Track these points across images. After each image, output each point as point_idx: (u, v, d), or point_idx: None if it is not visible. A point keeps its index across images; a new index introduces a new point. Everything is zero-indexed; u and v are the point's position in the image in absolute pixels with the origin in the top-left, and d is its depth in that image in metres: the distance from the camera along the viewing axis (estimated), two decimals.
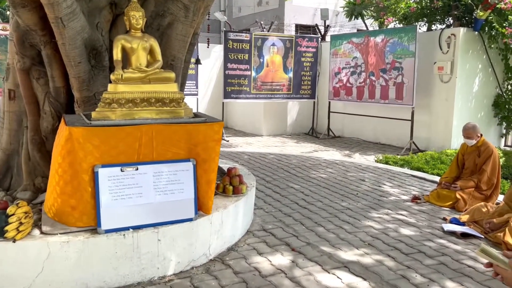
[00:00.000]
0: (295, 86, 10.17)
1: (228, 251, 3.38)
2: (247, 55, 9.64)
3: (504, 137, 8.29)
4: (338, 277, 2.99)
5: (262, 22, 11.77)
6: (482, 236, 3.77)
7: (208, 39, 10.60)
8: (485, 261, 1.56)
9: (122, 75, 3.07)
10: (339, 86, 9.73)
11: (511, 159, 6.94)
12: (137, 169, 2.99)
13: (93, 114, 3.02)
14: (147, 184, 3.01)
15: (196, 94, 10.59)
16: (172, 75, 3.33)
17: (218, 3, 18.19)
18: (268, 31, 11.21)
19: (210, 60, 11.47)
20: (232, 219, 3.47)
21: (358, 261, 3.25)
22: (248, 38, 9.61)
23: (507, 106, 7.95)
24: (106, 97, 3.03)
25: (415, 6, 8.73)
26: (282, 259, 3.26)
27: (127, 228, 2.88)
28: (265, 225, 3.98)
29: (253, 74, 9.73)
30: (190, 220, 3.10)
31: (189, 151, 3.16)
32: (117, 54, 3.17)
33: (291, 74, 10.09)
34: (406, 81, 8.07)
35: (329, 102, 10.06)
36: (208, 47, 10.76)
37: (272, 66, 9.91)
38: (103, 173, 2.88)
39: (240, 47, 9.56)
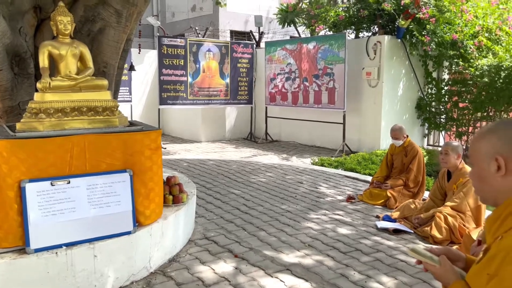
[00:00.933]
0: (233, 92, 10.22)
1: (170, 263, 3.30)
2: (182, 60, 9.53)
3: (426, 137, 8.93)
4: (281, 280, 3.03)
5: (197, 28, 11.70)
6: (412, 231, 4.02)
7: (139, 44, 10.33)
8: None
9: (49, 83, 2.90)
10: (275, 91, 9.93)
11: (434, 157, 7.51)
12: (69, 182, 2.83)
13: (18, 125, 2.82)
14: (81, 198, 2.86)
15: (130, 101, 10.27)
16: (105, 82, 3.20)
17: (150, 7, 17.79)
18: (203, 37, 11.18)
19: (144, 65, 11.19)
20: (172, 229, 3.40)
21: (300, 262, 3.33)
22: (183, 44, 9.50)
23: (428, 108, 8.57)
24: (33, 106, 2.84)
25: (343, 14, 9.16)
26: (225, 266, 3.25)
27: (59, 246, 2.71)
28: (207, 233, 3.95)
29: (190, 79, 9.64)
30: (129, 233, 2.98)
31: (125, 162, 3.05)
32: (43, 61, 2.98)
33: (228, 80, 10.13)
34: (338, 86, 8.44)
35: (266, 107, 10.23)
36: (139, 52, 10.48)
37: (208, 72, 9.89)
38: (31, 188, 2.68)
39: (175, 53, 9.43)
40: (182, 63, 9.53)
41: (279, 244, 3.70)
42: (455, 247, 3.52)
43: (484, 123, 7.88)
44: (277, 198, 5.20)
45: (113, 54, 3.63)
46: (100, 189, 2.94)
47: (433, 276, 1.58)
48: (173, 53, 9.39)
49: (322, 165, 7.29)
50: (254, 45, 10.72)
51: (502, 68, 7.09)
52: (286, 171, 6.81)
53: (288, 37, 12.67)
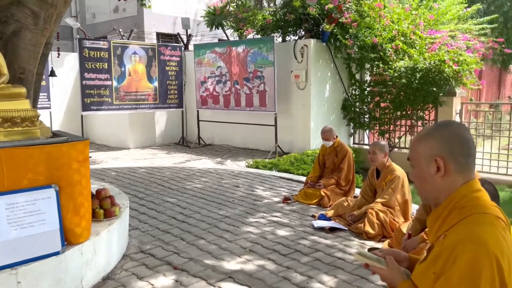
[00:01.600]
0: (162, 96, 9.93)
1: (104, 281, 3.09)
2: (106, 64, 9.08)
3: (352, 136, 9.36)
4: None
5: (120, 30, 11.20)
6: (347, 229, 4.17)
7: (58, 48, 9.66)
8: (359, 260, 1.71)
9: None
10: (206, 94, 9.82)
11: (360, 155, 7.90)
12: None
13: None
14: None
15: (49, 107, 9.57)
16: (23, 90, 2.92)
17: (69, 8, 16.74)
18: (127, 39, 10.74)
19: (64, 70, 10.48)
20: (106, 245, 3.19)
21: (242, 269, 3.29)
22: (106, 46, 9.05)
23: (353, 109, 8.99)
24: None
25: (271, 18, 9.31)
26: (164, 280, 3.12)
27: None
28: (143, 246, 3.77)
29: (115, 84, 9.21)
30: (57, 253, 2.74)
31: (50, 176, 2.80)
32: None
33: (156, 84, 9.83)
34: (268, 89, 8.55)
35: (198, 111, 10.09)
36: (58, 56, 9.80)
37: (135, 75, 9.52)
38: None
39: (98, 56, 8.95)
40: (106, 67, 9.08)
41: (219, 252, 3.63)
42: (387, 241, 3.72)
43: (403, 121, 8.45)
44: (214, 204, 5.12)
45: (30, 59, 3.33)
46: (21, 208, 2.67)
47: (380, 278, 1.62)
48: (95, 56, 8.91)
49: (257, 167, 7.34)
50: (183, 48, 10.52)
51: (417, 69, 7.64)
52: (222, 175, 6.75)
53: (216, 40, 12.62)
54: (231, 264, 3.38)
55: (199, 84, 9.92)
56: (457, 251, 1.28)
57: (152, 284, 3.04)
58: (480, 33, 10.44)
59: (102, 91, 9.05)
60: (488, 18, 11.73)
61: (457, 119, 7.68)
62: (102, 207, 3.43)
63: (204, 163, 8.00)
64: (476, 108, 11.14)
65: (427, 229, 3.26)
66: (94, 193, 3.49)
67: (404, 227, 3.69)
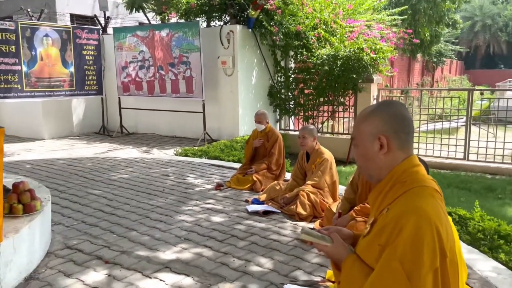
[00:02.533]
0: (79, 82, 9.28)
1: (27, 281, 2.84)
2: (13, 47, 8.24)
3: (278, 122, 9.56)
4: (161, 280, 2.88)
5: (29, 10, 10.21)
6: (279, 211, 4.26)
7: None
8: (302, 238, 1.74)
9: None
10: (128, 80, 9.37)
11: (286, 140, 8.09)
12: None
13: None
14: None
15: None
16: None
17: None
18: (38, 20, 9.83)
19: None
20: (27, 243, 2.92)
21: (178, 258, 3.22)
22: (13, 27, 8.20)
23: (278, 96, 9.16)
24: None
25: (195, 2, 9.09)
26: (96, 275, 2.94)
27: None
28: (69, 242, 3.51)
29: (25, 69, 8.41)
30: None
31: None
32: None
33: (72, 69, 9.16)
34: (195, 75, 8.39)
35: (119, 98, 9.60)
36: None
37: (48, 60, 8.77)
38: None
39: (4, 38, 8.10)
40: (14, 50, 8.25)
41: (153, 243, 3.51)
42: (318, 221, 3.86)
43: (326, 107, 8.81)
44: (144, 194, 4.94)
45: None
46: None
47: (325, 255, 1.66)
48: (1, 38, 8.04)
49: (186, 155, 7.20)
50: (100, 31, 9.90)
51: (338, 57, 7.97)
52: (149, 164, 6.52)
53: (137, 24, 12.05)
54: (167, 254, 3.29)
55: (120, 69, 9.42)
56: (401, 222, 1.35)
57: (82, 281, 2.85)
58: (392, 24, 11.18)
59: (10, 76, 8.22)
60: (398, 9, 12.60)
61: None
62: (21, 202, 3.12)
63: (128, 152, 7.66)
64: (390, 94, 11.98)
65: (355, 207, 3.45)
66: (11, 187, 3.17)
67: (334, 207, 3.86)
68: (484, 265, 3.01)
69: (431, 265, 1.31)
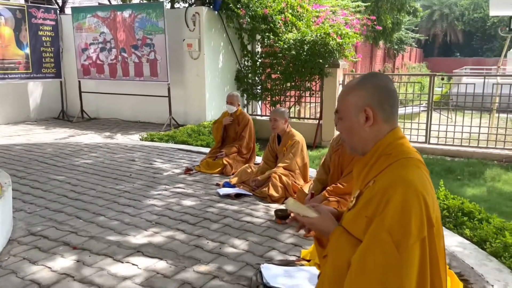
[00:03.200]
0: (35, 64, 8.82)
1: None
2: None
3: (246, 107, 9.51)
4: (133, 264, 2.80)
5: None
6: (251, 194, 4.25)
7: None
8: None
9: None
10: (88, 63, 9.00)
11: (254, 125, 8.04)
12: None
13: None
14: None
15: None
16: None
17: None
18: None
19: None
20: None
21: (150, 242, 3.13)
22: None
23: (245, 80, 9.10)
24: None
25: None
26: (64, 261, 2.81)
27: None
28: (32, 228, 3.35)
29: None
30: None
31: None
32: None
33: (27, 50, 8.68)
34: (159, 57, 8.16)
35: (79, 82, 9.22)
36: None
37: (0, 41, 8.26)
38: None
39: None
40: None
41: (123, 227, 3.40)
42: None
43: (293, 92, 8.83)
44: (110, 179, 4.78)
45: None
46: None
47: (311, 227, 1.64)
48: None
49: (152, 140, 7.02)
50: (58, 11, 9.41)
51: (305, 42, 7.99)
52: (114, 150, 6.31)
53: (97, 4, 11.54)
54: (138, 239, 3.20)
55: (79, 51, 9.02)
56: (389, 193, 1.35)
57: (50, 267, 2.72)
58: (355, 10, 11.31)
59: None
60: None
61: (340, 89, 8.30)
62: None
63: (91, 138, 7.38)
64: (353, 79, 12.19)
65: (328, 188, 3.48)
66: None
67: (306, 188, 3.89)
68: (450, 240, 3.13)
69: (419, 235, 1.32)
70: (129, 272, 2.69)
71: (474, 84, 7.07)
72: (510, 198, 5.00)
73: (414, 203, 1.33)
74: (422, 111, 9.40)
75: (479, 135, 7.00)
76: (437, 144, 7.37)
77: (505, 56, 14.79)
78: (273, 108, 8.80)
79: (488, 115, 8.05)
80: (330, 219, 1.59)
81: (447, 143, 7.32)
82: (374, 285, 1.32)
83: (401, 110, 8.98)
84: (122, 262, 2.82)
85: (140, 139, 7.21)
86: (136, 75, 8.49)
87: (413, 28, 24.98)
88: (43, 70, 8.99)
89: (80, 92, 9.26)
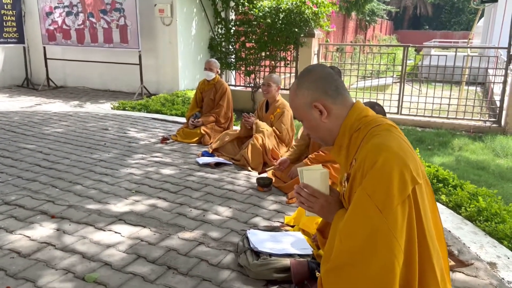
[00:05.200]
0: None
1: None
2: None
3: (220, 77, 9.35)
4: (116, 232, 2.75)
5: None
6: (231, 163, 4.23)
7: None
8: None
9: None
10: (53, 28, 8.54)
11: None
12: None
13: None
14: None
15: None
16: None
17: None
18: None
19: None
20: None
21: (132, 210, 3.09)
22: None
23: (219, 48, 8.91)
24: None
25: None
26: (43, 230, 2.73)
27: None
28: (6, 198, 3.22)
29: None
30: None
31: None
32: None
33: None
34: (130, 23, 7.84)
35: (44, 48, 8.76)
36: None
37: None
38: None
39: None
40: None
41: (102, 196, 3.33)
42: (270, 169, 3.89)
43: (267, 62, 8.73)
44: (84, 148, 4.63)
45: None
46: None
47: (314, 209, 1.64)
48: None
49: (124, 109, 6.83)
50: None
51: (281, 10, 7.86)
52: (85, 118, 6.10)
53: None
54: (119, 207, 3.14)
55: (44, 15, 8.53)
56: (367, 163, 1.38)
57: (29, 237, 2.64)
58: None
59: None
60: None
61: (315, 59, 8.27)
62: None
63: (59, 106, 7.10)
64: (326, 50, 12.17)
65: (310, 155, 3.51)
66: None
67: (285, 155, 3.91)
68: None
69: (401, 196, 1.34)
70: (113, 239, 2.65)
71: (446, 56, 7.21)
72: (477, 166, 5.21)
73: (393, 166, 1.34)
74: (394, 82, 9.56)
75: (448, 107, 7.21)
76: (408, 115, 7.55)
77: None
78: (248, 78, 8.71)
79: (458, 87, 8.28)
80: (336, 203, 1.60)
81: (418, 114, 7.50)
82: (362, 250, 1.34)
83: (374, 82, 9.10)
84: (104, 230, 2.77)
85: (112, 108, 7.00)
86: (105, 42, 8.15)
87: (384, 0, 25.06)
88: (4, 35, 8.47)
89: (46, 59, 8.82)
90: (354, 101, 1.57)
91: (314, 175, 1.63)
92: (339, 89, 1.53)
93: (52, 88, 8.92)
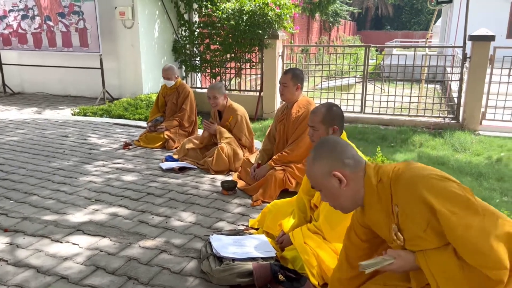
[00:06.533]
0: None
1: None
2: None
3: (185, 79, 9.25)
4: (74, 243, 2.65)
5: None
6: (195, 167, 4.17)
7: None
8: None
9: None
10: (8, 32, 8.20)
11: (195, 98, 7.88)
12: None
13: None
14: None
15: None
16: None
17: None
18: None
19: None
20: None
21: (91, 220, 2.98)
22: None
23: (183, 51, 8.81)
24: None
25: None
26: None
27: None
28: None
29: None
30: None
31: None
32: None
33: None
34: (89, 26, 7.63)
35: None
36: None
37: None
38: None
39: None
40: None
41: (60, 206, 3.20)
42: (235, 174, 3.87)
43: (233, 64, 8.70)
44: (41, 156, 4.46)
45: None
46: None
47: (396, 271, 1.59)
48: None
49: (85, 115, 6.63)
50: None
51: (244, 12, 7.86)
52: (44, 125, 5.88)
53: None
54: (77, 217, 3.03)
55: None
56: (417, 196, 1.45)
57: None
58: None
59: None
60: None
61: (280, 61, 8.32)
62: None
63: (16, 114, 6.81)
64: (291, 51, 12.27)
65: (274, 157, 3.51)
66: None
67: (252, 158, 3.89)
68: None
69: (461, 186, 1.49)
70: (70, 251, 2.55)
71: (406, 55, 7.41)
72: (438, 162, 5.37)
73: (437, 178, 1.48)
74: (357, 82, 9.75)
75: (410, 104, 7.41)
76: (371, 113, 7.70)
77: (432, 29, 15.66)
78: (214, 80, 8.65)
79: (418, 86, 8.53)
80: (407, 254, 1.55)
81: (380, 113, 7.67)
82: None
83: (338, 82, 9.24)
84: (61, 242, 2.67)
85: (72, 114, 6.78)
86: (64, 45, 7.90)
87: (347, 1, 25.57)
88: None
89: (1, 64, 8.46)
90: (362, 160, 1.64)
91: (370, 269, 1.59)
92: (353, 157, 1.60)
93: (9, 94, 8.57)
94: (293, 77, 3.41)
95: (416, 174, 1.48)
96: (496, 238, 1.37)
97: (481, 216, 1.41)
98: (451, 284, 1.42)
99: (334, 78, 9.32)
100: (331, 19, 21.40)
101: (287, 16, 8.25)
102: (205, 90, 8.75)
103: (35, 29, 8.01)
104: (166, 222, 2.97)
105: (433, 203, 1.40)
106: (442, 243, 1.44)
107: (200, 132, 5.17)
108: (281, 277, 2.17)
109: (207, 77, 9.03)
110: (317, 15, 18.97)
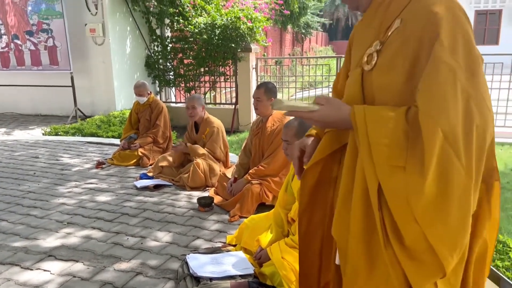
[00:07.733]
0: None
1: None
2: None
3: (159, 94, 9.17)
4: (45, 270, 2.56)
5: None
6: (171, 184, 4.12)
7: None
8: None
9: None
10: None
11: (168, 112, 7.81)
12: None
13: None
14: None
15: None
16: None
17: None
18: None
19: None
20: None
21: (63, 244, 2.89)
22: None
23: (157, 66, 8.75)
24: None
25: None
26: None
27: None
28: None
29: None
30: None
31: None
32: None
33: None
34: (59, 44, 7.51)
35: None
36: None
37: None
38: None
39: None
40: None
41: (30, 231, 3.09)
42: (212, 189, 3.84)
43: (207, 78, 8.69)
44: (11, 179, 4.31)
45: None
46: None
47: (317, 123, 1.21)
48: None
49: (56, 134, 6.47)
50: None
51: (216, 26, 7.88)
52: (13, 147, 5.71)
53: None
54: (49, 242, 2.93)
55: None
56: (433, 15, 1.10)
57: None
58: None
59: None
60: None
61: (254, 73, 8.36)
62: None
63: None
64: (264, 63, 12.37)
65: (250, 171, 3.50)
66: None
67: (228, 173, 3.87)
68: None
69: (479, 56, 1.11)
70: (41, 278, 2.46)
71: None
72: None
73: (461, 11, 1.11)
74: (330, 92, 9.86)
75: None
76: None
77: None
78: (188, 94, 8.60)
79: None
80: (339, 103, 1.20)
81: None
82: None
83: (311, 93, 9.34)
84: (32, 269, 2.57)
85: (43, 134, 6.61)
86: (34, 64, 7.73)
87: (318, 12, 26.03)
88: None
89: None
90: None
91: (284, 108, 1.18)
92: None
93: None
94: (266, 91, 3.43)
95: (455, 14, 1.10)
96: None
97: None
98: (386, 151, 1.07)
99: (308, 89, 9.42)
100: (303, 31, 21.71)
101: (259, 29, 8.33)
102: (180, 105, 8.70)
103: (2, 48, 7.81)
104: (142, 243, 2.90)
105: (444, 42, 1.06)
106: (403, 94, 1.12)
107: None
108: None
109: (182, 92, 8.99)
110: (289, 27, 19.22)
